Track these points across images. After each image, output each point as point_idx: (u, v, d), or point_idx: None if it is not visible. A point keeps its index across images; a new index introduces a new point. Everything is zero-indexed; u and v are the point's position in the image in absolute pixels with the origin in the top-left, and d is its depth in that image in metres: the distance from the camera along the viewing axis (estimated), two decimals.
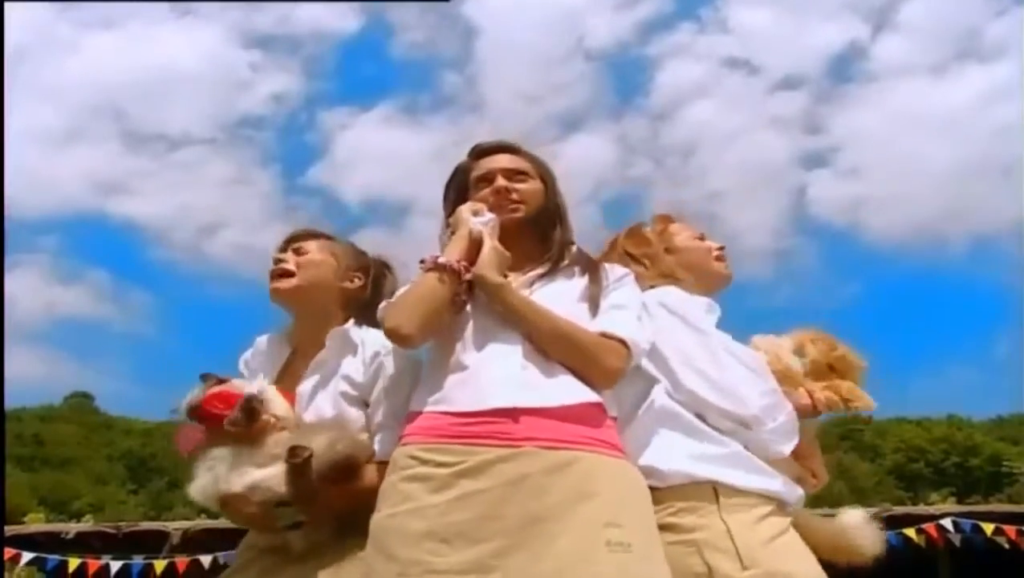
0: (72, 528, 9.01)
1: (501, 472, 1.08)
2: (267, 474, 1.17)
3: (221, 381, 1.30)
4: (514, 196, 1.34)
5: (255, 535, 1.24)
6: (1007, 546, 9.49)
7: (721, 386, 1.27)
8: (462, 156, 1.42)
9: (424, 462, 1.11)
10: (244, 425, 1.20)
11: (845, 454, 44.06)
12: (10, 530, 8.97)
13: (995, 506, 11.30)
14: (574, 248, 1.38)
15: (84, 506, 28.84)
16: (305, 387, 1.32)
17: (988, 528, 9.25)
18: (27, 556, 8.37)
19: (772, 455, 1.28)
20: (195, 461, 1.24)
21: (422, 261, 1.25)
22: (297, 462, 1.14)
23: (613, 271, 1.34)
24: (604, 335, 1.21)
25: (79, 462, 39.93)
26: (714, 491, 1.21)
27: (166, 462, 38.44)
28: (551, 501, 1.06)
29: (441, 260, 1.22)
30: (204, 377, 1.30)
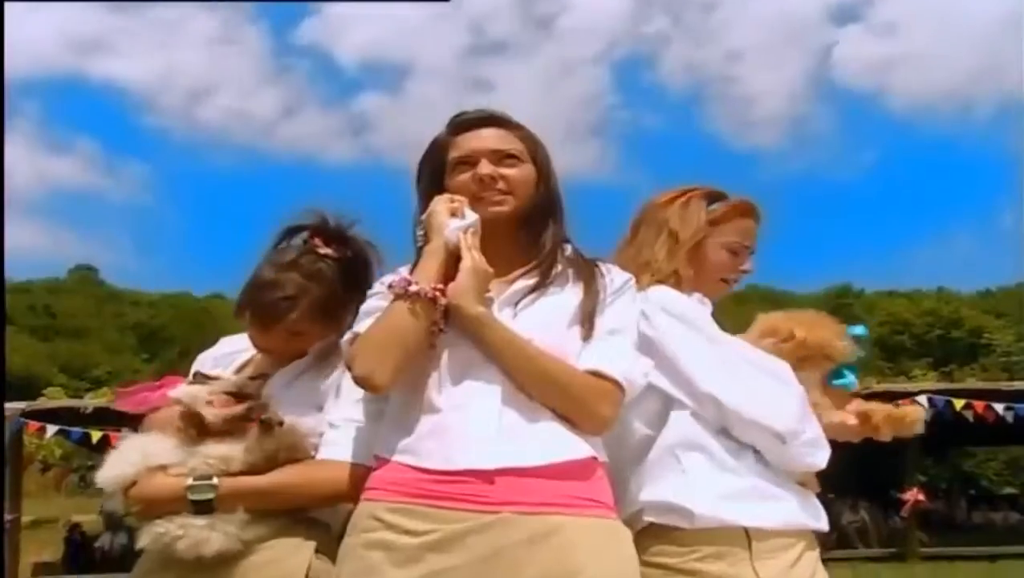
0: (90, 403, 9.51)
1: (474, 546, 0.97)
2: (212, 450, 1.11)
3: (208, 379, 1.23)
4: (501, 186, 1.14)
5: (155, 547, 1.09)
6: (972, 419, 10.12)
7: (748, 398, 1.17)
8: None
9: (389, 526, 1.01)
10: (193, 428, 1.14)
11: None
12: (32, 406, 9.53)
13: (969, 384, 11.90)
14: (568, 249, 1.19)
15: (102, 374, 30.23)
16: (269, 388, 1.24)
17: (959, 403, 9.81)
18: (52, 429, 8.96)
19: (805, 468, 1.19)
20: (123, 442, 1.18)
21: (390, 285, 1.08)
22: (269, 421, 1.11)
23: (611, 277, 1.17)
24: (596, 374, 1.07)
25: (92, 333, 41.33)
26: (746, 535, 1.13)
27: (175, 332, 39.84)
28: None
29: (413, 288, 1.05)
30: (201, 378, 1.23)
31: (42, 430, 9.01)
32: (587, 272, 1.16)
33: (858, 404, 1.32)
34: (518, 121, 1.19)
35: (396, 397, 1.10)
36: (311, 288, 1.21)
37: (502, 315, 1.09)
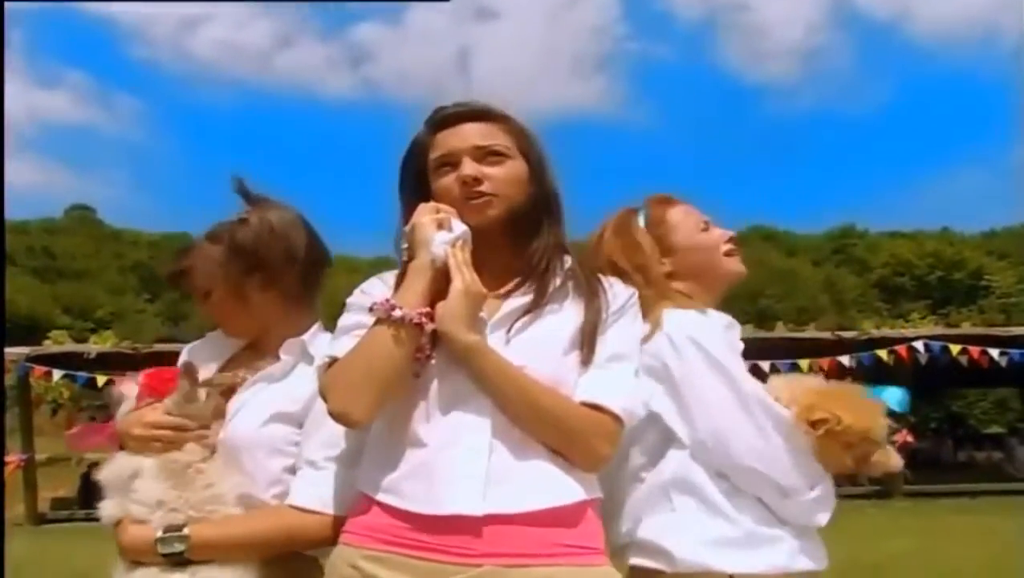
0: (93, 348, 9.61)
1: None
2: (174, 496, 1.07)
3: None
4: (485, 187, 1.03)
5: None
6: (966, 364, 10.23)
7: (762, 451, 1.13)
8: None
9: (367, 577, 0.96)
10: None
11: (836, 268, 45.43)
12: (36, 350, 9.64)
13: (965, 328, 11.96)
14: (568, 260, 1.09)
15: (106, 315, 30.44)
16: (239, 400, 1.16)
17: (955, 349, 9.90)
18: (58, 373, 9.10)
19: (803, 524, 1.16)
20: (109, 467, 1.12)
21: (371, 308, 0.98)
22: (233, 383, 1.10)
23: (615, 293, 1.08)
24: (594, 406, 1.00)
25: (93, 274, 41.39)
26: None
27: None
28: None
29: (396, 313, 0.96)
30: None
31: (48, 374, 9.16)
32: (588, 289, 1.06)
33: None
34: (504, 112, 1.08)
35: (379, 425, 1.03)
36: (203, 244, 1.22)
37: (494, 338, 1.01)
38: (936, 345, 9.74)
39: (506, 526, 0.95)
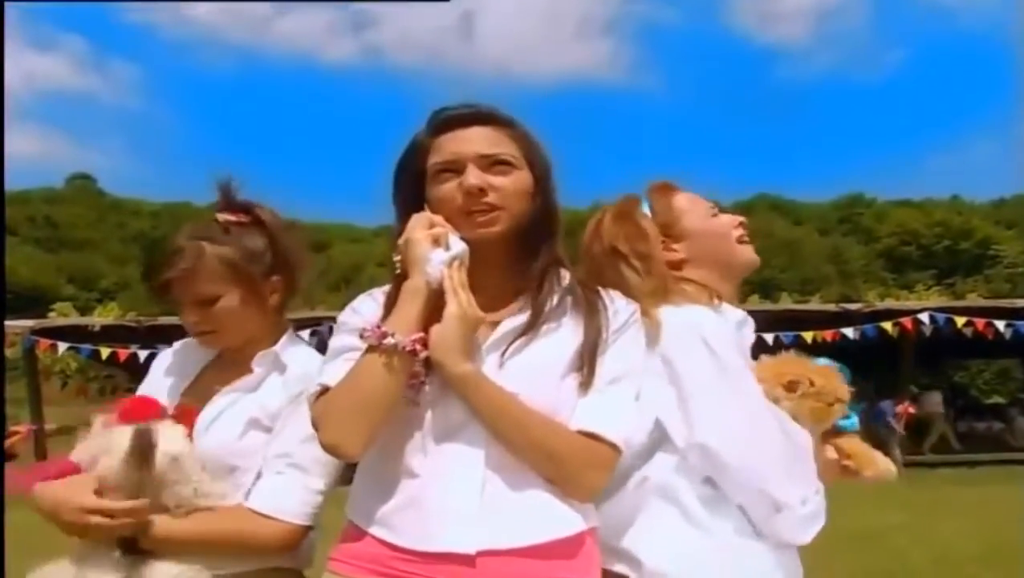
0: (97, 321, 9.65)
1: None
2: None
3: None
4: (491, 198, 0.97)
5: None
6: (970, 336, 10.20)
7: (762, 459, 1.08)
8: None
9: None
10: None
11: (843, 237, 45.08)
12: (41, 324, 9.68)
13: (971, 299, 11.90)
14: (566, 277, 1.03)
15: (110, 285, 30.50)
16: (214, 409, 1.13)
17: (960, 321, 9.87)
18: (63, 346, 9.15)
19: (789, 541, 1.10)
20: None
21: (362, 334, 0.94)
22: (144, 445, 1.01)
23: (615, 311, 1.02)
24: (591, 436, 0.95)
25: (96, 244, 41.43)
26: None
27: None
28: None
29: (388, 341, 0.92)
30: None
31: (54, 346, 9.22)
32: (587, 306, 1.01)
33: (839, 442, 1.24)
34: (510, 117, 1.01)
35: (372, 450, 0.98)
36: (203, 246, 1.14)
37: (488, 362, 0.97)
38: (941, 317, 9.71)
39: (501, 559, 0.92)
